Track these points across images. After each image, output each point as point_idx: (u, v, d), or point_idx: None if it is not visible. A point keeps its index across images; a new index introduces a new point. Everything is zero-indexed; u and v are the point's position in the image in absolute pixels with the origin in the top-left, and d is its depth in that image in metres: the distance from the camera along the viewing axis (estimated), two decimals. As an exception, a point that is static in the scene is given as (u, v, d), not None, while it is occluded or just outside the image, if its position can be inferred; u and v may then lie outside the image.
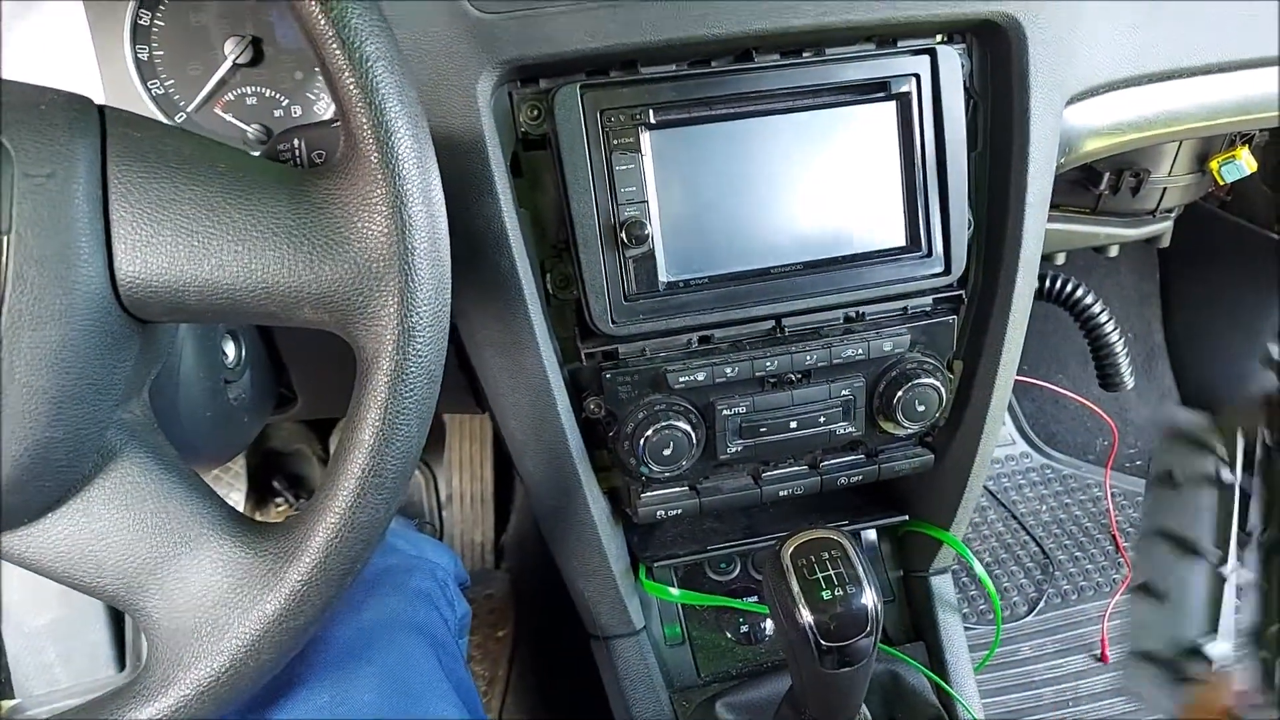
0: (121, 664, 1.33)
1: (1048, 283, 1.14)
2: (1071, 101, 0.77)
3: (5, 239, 0.40)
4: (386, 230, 0.44)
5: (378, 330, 0.45)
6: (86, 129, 0.43)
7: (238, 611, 0.47)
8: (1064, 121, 0.77)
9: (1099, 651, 1.28)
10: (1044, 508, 1.52)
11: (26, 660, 1.28)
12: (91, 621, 1.30)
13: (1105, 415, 1.45)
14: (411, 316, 0.45)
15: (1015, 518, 1.50)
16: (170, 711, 0.47)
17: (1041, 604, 1.35)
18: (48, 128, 0.42)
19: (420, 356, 0.46)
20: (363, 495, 0.46)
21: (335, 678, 0.60)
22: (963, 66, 0.73)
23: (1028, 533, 1.47)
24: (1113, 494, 1.51)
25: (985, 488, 1.55)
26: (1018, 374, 0.83)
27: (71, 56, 0.73)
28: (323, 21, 0.43)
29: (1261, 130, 1.17)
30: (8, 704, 1.24)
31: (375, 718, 0.59)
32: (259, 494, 1.46)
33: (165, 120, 0.74)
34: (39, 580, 1.27)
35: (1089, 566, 1.40)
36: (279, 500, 1.47)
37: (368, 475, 0.46)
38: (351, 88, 0.43)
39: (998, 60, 0.74)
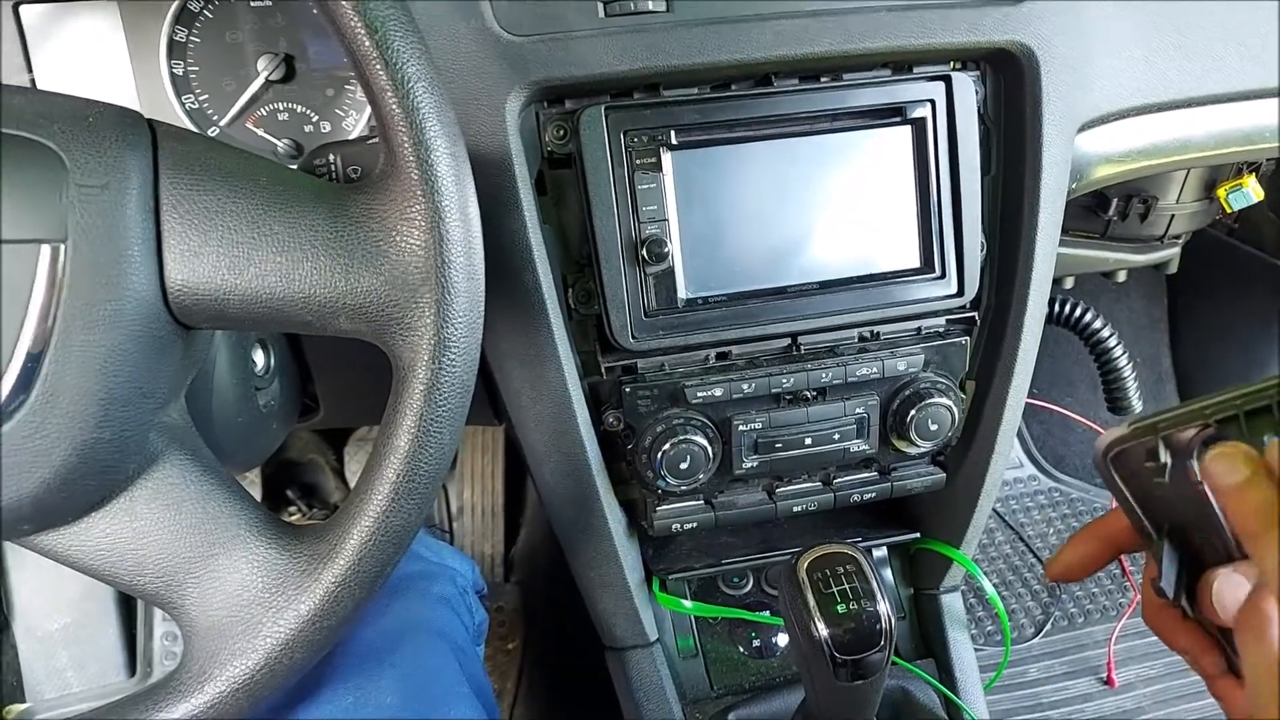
0: (132, 670, 1.34)
1: (1057, 306, 1.15)
2: (1083, 129, 0.78)
3: (61, 247, 0.42)
4: (424, 244, 0.46)
5: (414, 341, 0.47)
6: (137, 142, 0.45)
7: (272, 611, 0.48)
8: (1076, 148, 0.78)
9: (1105, 675, 1.28)
10: (1051, 530, 1.53)
11: (38, 664, 1.30)
12: (104, 627, 1.31)
13: (1113, 439, 1.45)
14: (447, 328, 0.46)
15: (1023, 540, 1.50)
16: (205, 708, 0.48)
17: (1048, 626, 1.35)
18: (101, 140, 0.44)
19: (454, 367, 0.47)
20: (396, 500, 0.48)
21: (359, 679, 0.61)
22: (977, 93, 0.75)
23: (1035, 555, 1.47)
24: (1120, 517, 1.52)
25: (994, 510, 1.55)
26: (1027, 396, 0.85)
27: (107, 69, 0.75)
28: (367, 44, 0.45)
29: (1269, 159, 1.19)
30: (20, 707, 1.25)
31: (397, 719, 0.60)
32: (272, 502, 1.48)
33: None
34: (53, 586, 1.29)
35: (1095, 590, 1.41)
36: (292, 509, 1.49)
37: (402, 481, 0.47)
38: (394, 107, 0.45)
39: (1012, 88, 0.76)
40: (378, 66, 0.45)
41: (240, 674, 0.48)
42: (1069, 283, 1.37)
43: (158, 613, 1.35)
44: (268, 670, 0.48)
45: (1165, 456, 0.43)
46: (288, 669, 0.49)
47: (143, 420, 0.46)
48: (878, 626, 0.60)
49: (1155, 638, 1.26)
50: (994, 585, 1.42)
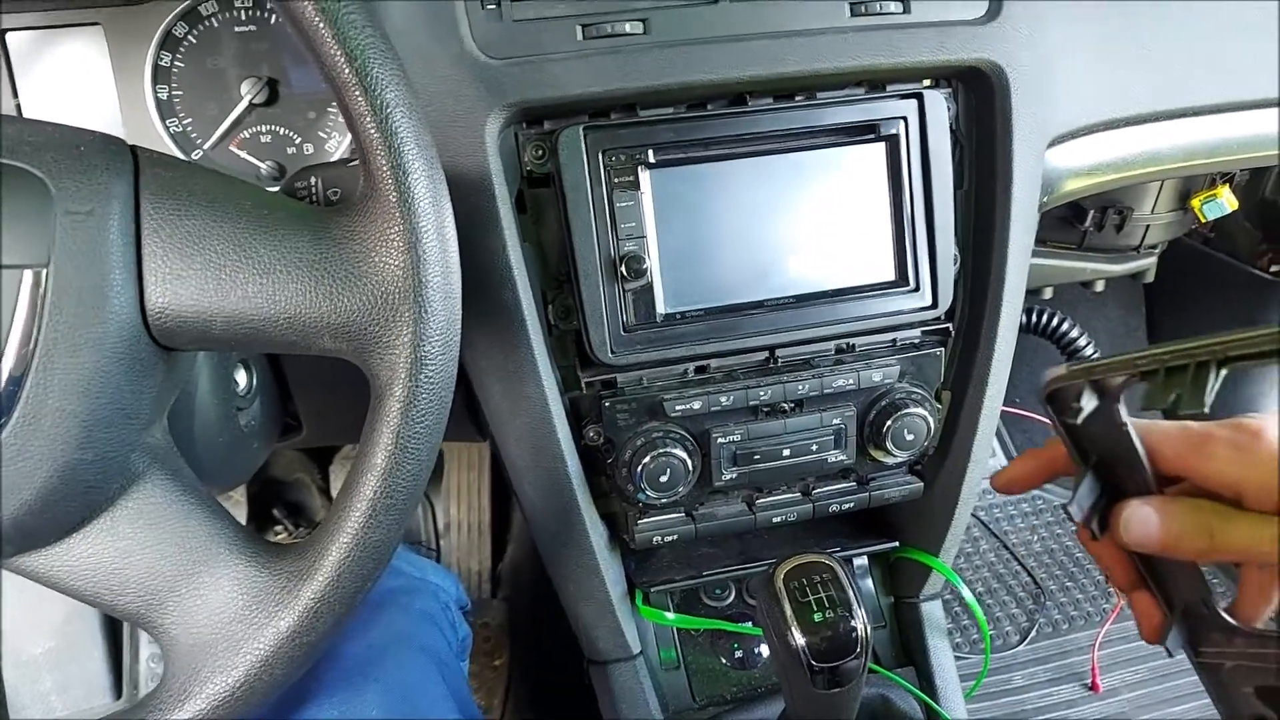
0: (118, 692, 1.33)
1: (1034, 316, 1.17)
2: (1053, 143, 0.80)
3: (44, 272, 0.43)
4: (402, 265, 0.47)
5: (392, 359, 0.48)
6: (122, 169, 0.46)
7: (253, 628, 0.49)
8: (1046, 162, 0.80)
9: (1089, 681, 1.29)
10: (1035, 538, 1.54)
11: (23, 689, 1.29)
12: (89, 650, 1.31)
13: (1094, 447, 1.47)
14: (424, 346, 0.47)
15: (1007, 548, 1.51)
16: (187, 724, 0.48)
17: (1033, 633, 1.36)
18: (87, 168, 0.45)
19: (432, 384, 0.48)
20: (374, 516, 0.48)
21: (343, 694, 0.62)
22: (949, 110, 0.76)
23: (1019, 563, 1.48)
24: (1102, 524, 1.53)
25: (977, 518, 1.57)
26: (1008, 406, 0.86)
27: (92, 94, 0.76)
28: (347, 71, 0.46)
29: (1242, 170, 1.21)
30: (3, 731, 1.24)
31: None
32: (258, 522, 1.48)
33: (183, 157, 0.77)
34: (38, 609, 1.28)
35: (1079, 596, 1.42)
36: (278, 528, 1.49)
37: (380, 497, 0.48)
38: (372, 132, 0.46)
39: (982, 104, 0.77)
40: (357, 93, 0.46)
41: (221, 690, 0.48)
42: (1047, 293, 1.39)
43: (143, 635, 1.35)
44: (248, 687, 0.49)
45: (1089, 399, 0.47)
46: (268, 685, 0.49)
47: (125, 441, 0.47)
48: (854, 634, 0.61)
49: (1139, 643, 1.27)
50: (979, 593, 1.43)
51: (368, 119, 0.46)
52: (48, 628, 1.30)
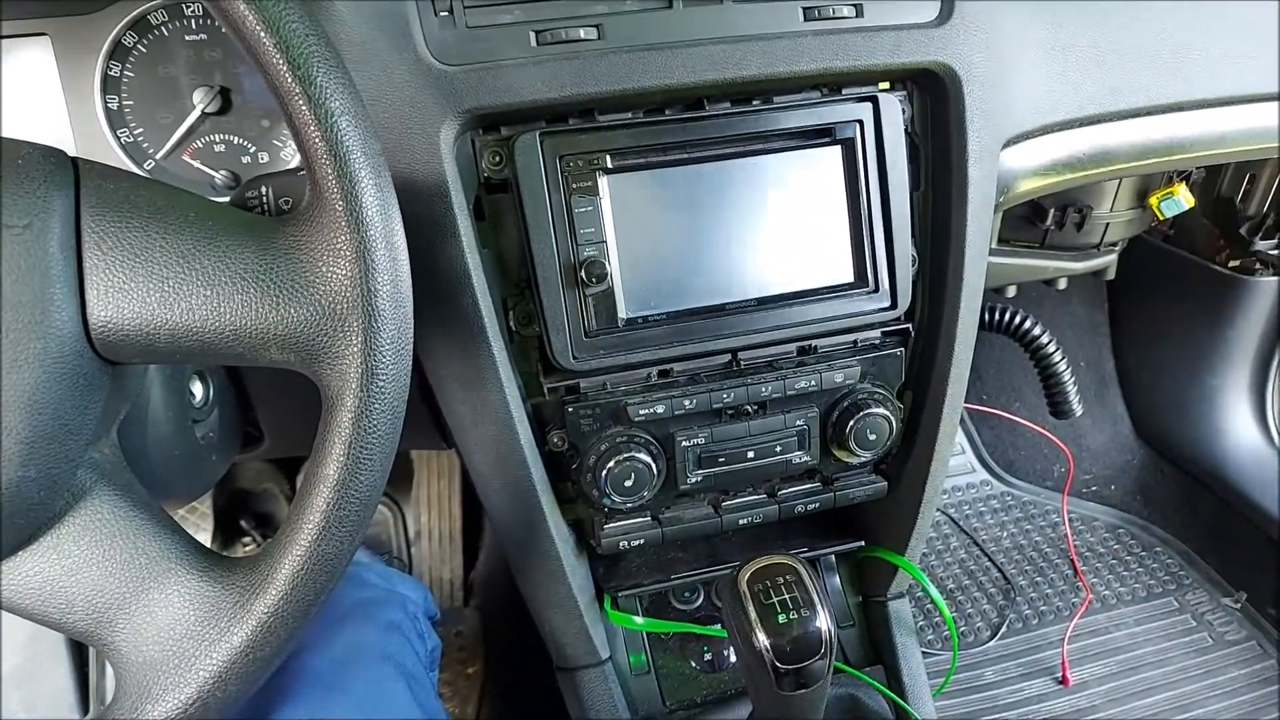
0: (85, 708, 1.31)
1: (996, 314, 1.18)
2: (1008, 144, 0.81)
3: None
4: (351, 275, 0.46)
5: (342, 369, 0.47)
6: (62, 181, 0.45)
7: (205, 644, 0.48)
8: (1001, 163, 0.81)
9: (1060, 674, 1.30)
10: (1005, 534, 1.55)
11: (-11, 708, 1.26)
12: (54, 667, 1.28)
13: (1060, 443, 1.48)
14: (374, 356, 0.47)
15: (977, 544, 1.53)
16: (138, 744, 0.48)
17: (1004, 628, 1.37)
18: (25, 180, 0.44)
19: (383, 394, 0.48)
20: (327, 529, 0.48)
21: (309, 707, 0.61)
22: (904, 112, 0.77)
23: (989, 559, 1.50)
24: (1070, 519, 1.55)
25: (948, 515, 1.58)
26: (976, 404, 0.87)
27: (41, 105, 0.75)
28: (289, 79, 0.45)
29: (1197, 167, 1.23)
30: (-34, 752, 1.22)
31: None
32: (226, 533, 1.46)
33: (135, 168, 0.76)
34: (3, 627, 1.26)
35: (1049, 591, 1.43)
36: (246, 540, 1.47)
37: (332, 509, 0.48)
38: (317, 141, 0.46)
39: (937, 106, 0.78)
40: (300, 102, 0.46)
41: (173, 709, 0.48)
42: (1011, 291, 1.40)
43: (109, 650, 1.33)
44: (201, 703, 0.48)
45: None
46: (222, 701, 0.48)
47: (70, 457, 0.46)
48: (818, 635, 0.61)
49: (1109, 636, 1.28)
50: (949, 590, 1.44)
51: (312, 128, 0.46)
52: (12, 645, 1.28)
